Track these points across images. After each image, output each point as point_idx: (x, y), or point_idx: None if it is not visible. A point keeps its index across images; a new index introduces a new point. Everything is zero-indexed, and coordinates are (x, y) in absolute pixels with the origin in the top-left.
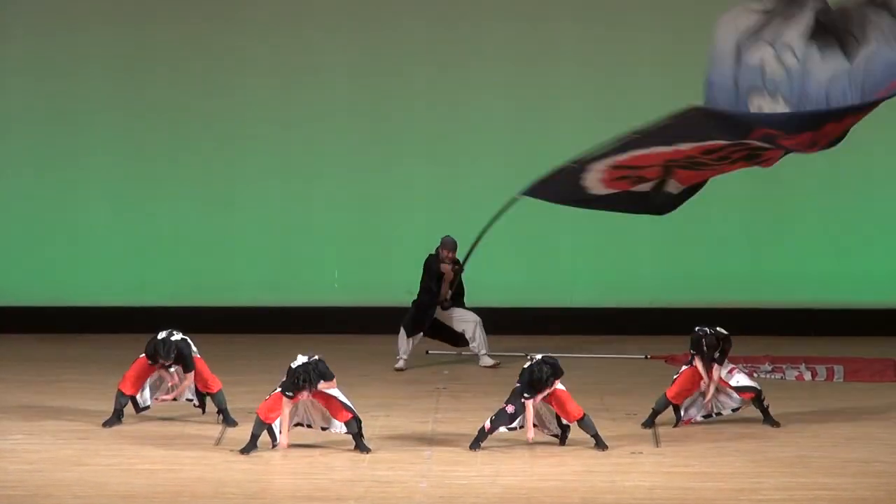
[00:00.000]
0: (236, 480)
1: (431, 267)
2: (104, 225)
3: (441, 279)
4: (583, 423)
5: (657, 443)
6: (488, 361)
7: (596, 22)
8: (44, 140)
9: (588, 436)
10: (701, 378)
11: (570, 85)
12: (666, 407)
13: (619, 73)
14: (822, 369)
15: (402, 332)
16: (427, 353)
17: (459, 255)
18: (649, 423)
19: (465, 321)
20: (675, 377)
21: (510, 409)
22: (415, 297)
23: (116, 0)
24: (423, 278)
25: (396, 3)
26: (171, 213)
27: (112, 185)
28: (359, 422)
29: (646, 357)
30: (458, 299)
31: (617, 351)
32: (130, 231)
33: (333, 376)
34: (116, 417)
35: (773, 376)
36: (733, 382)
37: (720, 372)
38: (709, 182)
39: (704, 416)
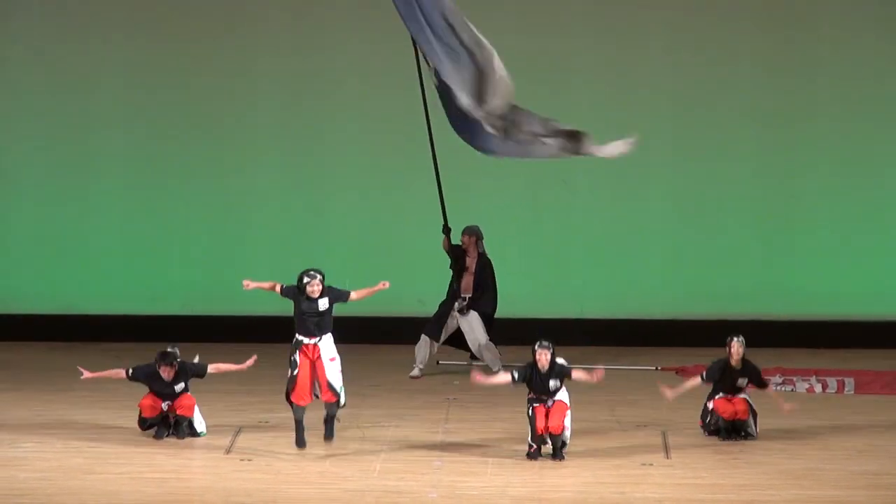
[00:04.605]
0: (246, 490)
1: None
2: (116, 234)
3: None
4: (556, 437)
5: (668, 454)
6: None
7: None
8: (55, 149)
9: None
10: (729, 400)
11: (582, 100)
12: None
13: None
14: (832, 381)
15: (423, 338)
16: (438, 363)
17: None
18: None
19: (472, 337)
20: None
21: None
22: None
23: (131, 8)
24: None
25: None
26: (183, 223)
27: (124, 194)
28: (338, 406)
29: (657, 369)
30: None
31: (628, 362)
32: (143, 240)
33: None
34: (164, 427)
35: (783, 388)
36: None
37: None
38: (721, 194)
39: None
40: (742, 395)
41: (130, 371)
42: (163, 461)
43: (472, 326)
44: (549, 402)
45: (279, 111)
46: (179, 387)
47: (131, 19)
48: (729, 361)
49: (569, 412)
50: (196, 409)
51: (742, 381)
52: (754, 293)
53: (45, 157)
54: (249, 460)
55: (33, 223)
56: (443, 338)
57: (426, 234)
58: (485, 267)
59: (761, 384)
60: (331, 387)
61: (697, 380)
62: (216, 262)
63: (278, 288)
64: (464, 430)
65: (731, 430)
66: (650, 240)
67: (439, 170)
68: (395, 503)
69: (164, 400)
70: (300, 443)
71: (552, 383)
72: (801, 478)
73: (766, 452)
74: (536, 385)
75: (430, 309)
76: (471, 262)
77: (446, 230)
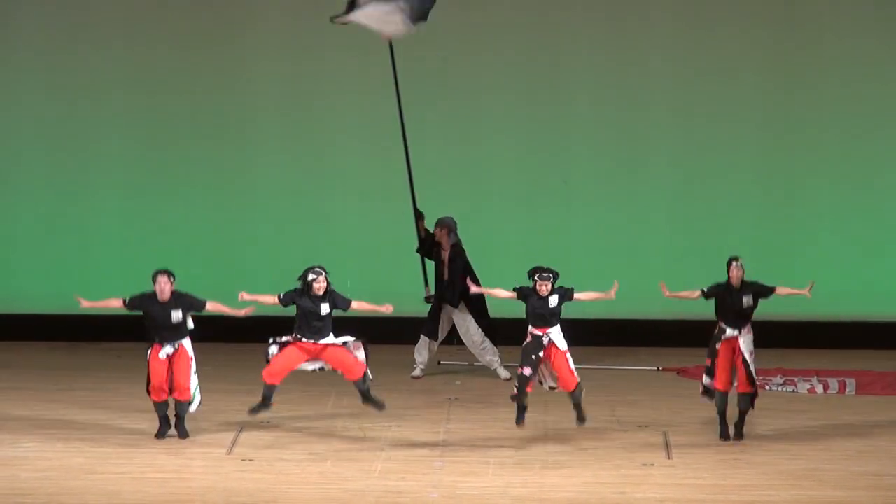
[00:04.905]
0: (247, 490)
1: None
2: (116, 233)
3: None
4: (574, 392)
5: (669, 455)
6: (504, 374)
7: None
8: (56, 150)
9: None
10: (733, 350)
11: (582, 100)
12: (725, 400)
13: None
14: (833, 382)
15: (422, 339)
16: (439, 363)
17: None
18: (724, 433)
19: (467, 338)
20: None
21: (526, 371)
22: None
23: (129, 11)
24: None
25: None
26: (184, 223)
27: (124, 194)
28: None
29: (657, 369)
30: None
31: (628, 363)
32: (142, 239)
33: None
34: (166, 425)
35: (784, 389)
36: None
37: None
38: (722, 194)
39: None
40: (745, 356)
41: (127, 299)
42: (164, 461)
43: (468, 326)
44: (545, 339)
45: (280, 113)
46: (177, 315)
47: (132, 19)
48: (729, 283)
49: (569, 357)
50: (193, 376)
51: (747, 300)
52: None
53: (46, 158)
54: (251, 460)
55: (34, 223)
56: (441, 335)
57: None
58: (454, 259)
59: (768, 291)
60: (357, 360)
61: (697, 293)
62: (217, 263)
63: (275, 300)
64: (465, 430)
65: (732, 426)
66: (651, 240)
67: (410, 157)
68: (396, 503)
69: (162, 344)
70: (253, 411)
71: (552, 299)
72: (802, 478)
73: (766, 453)
74: (536, 305)
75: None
76: (445, 254)
77: (419, 215)
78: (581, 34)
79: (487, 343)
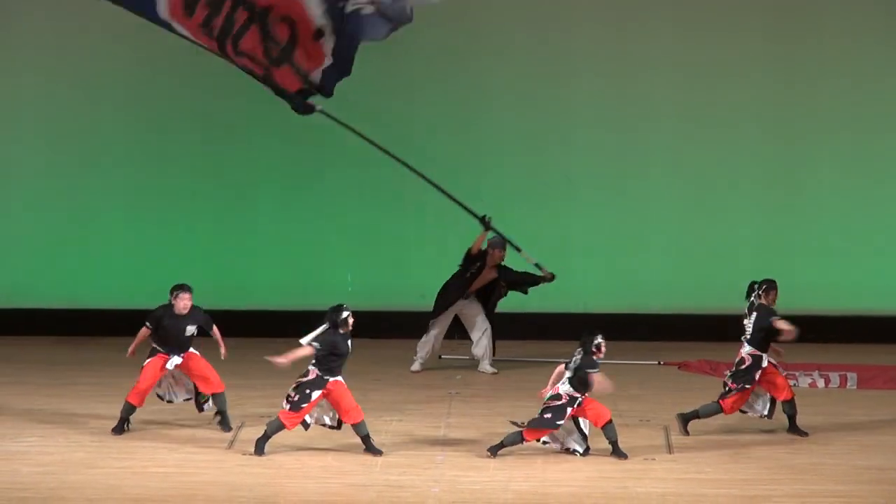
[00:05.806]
0: (249, 484)
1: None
2: (120, 229)
3: (478, 272)
4: (607, 427)
5: (670, 449)
6: (488, 369)
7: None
8: (59, 145)
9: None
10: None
11: (583, 96)
12: (714, 414)
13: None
14: (835, 376)
15: (428, 334)
16: (440, 357)
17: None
18: (686, 421)
19: (476, 327)
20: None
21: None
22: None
23: (130, 12)
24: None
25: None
26: (185, 217)
27: (128, 190)
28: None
29: (659, 363)
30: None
31: (630, 357)
32: (146, 235)
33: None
34: (123, 426)
35: None
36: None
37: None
38: (723, 189)
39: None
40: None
41: (148, 323)
42: (165, 455)
43: (475, 319)
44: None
45: (283, 110)
46: (191, 329)
47: (133, 20)
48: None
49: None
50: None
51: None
52: None
53: (48, 153)
54: (252, 454)
55: (37, 218)
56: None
57: (426, 228)
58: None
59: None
60: (358, 407)
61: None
62: (221, 257)
63: (310, 350)
64: (466, 424)
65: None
66: (653, 234)
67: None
68: (397, 497)
69: (170, 354)
70: (260, 451)
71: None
72: (804, 472)
73: (768, 447)
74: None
75: (430, 302)
76: (490, 270)
77: (486, 223)
78: (584, 26)
79: (485, 340)
